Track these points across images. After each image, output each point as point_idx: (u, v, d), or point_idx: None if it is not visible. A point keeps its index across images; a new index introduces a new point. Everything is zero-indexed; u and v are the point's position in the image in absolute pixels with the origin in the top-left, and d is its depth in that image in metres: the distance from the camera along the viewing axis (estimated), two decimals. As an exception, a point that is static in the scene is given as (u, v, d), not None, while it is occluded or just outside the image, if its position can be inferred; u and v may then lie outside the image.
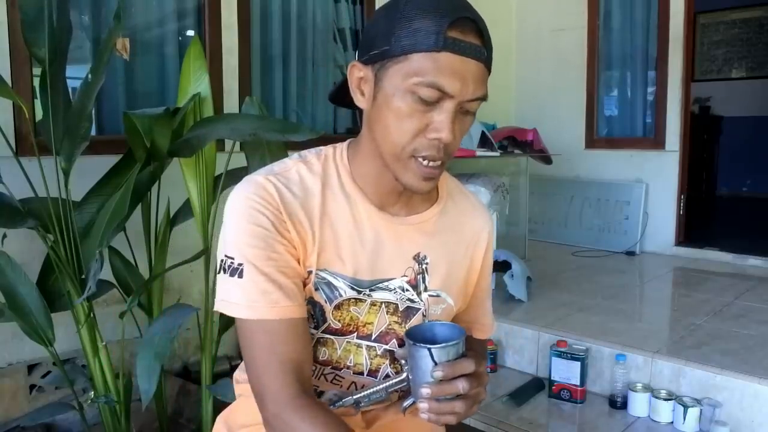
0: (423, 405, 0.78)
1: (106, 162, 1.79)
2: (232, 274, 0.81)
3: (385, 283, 0.90)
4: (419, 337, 0.81)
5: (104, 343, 1.76)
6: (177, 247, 1.95)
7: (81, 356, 2.04)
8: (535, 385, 2.26)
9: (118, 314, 1.68)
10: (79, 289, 1.68)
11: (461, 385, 0.76)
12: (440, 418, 0.79)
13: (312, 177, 0.88)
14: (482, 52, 0.78)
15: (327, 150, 0.92)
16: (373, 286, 0.89)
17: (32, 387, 2.17)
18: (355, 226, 0.88)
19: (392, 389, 0.87)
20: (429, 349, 0.77)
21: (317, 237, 0.85)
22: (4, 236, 1.66)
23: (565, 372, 2.17)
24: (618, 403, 2.11)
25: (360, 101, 0.85)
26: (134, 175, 1.67)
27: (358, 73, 0.84)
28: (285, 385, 0.79)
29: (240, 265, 0.81)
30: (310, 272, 0.86)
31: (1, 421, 2.05)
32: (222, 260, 0.83)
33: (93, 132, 2.26)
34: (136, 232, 1.93)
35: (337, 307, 0.88)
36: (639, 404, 2.06)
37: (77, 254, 1.67)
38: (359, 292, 0.88)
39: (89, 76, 1.63)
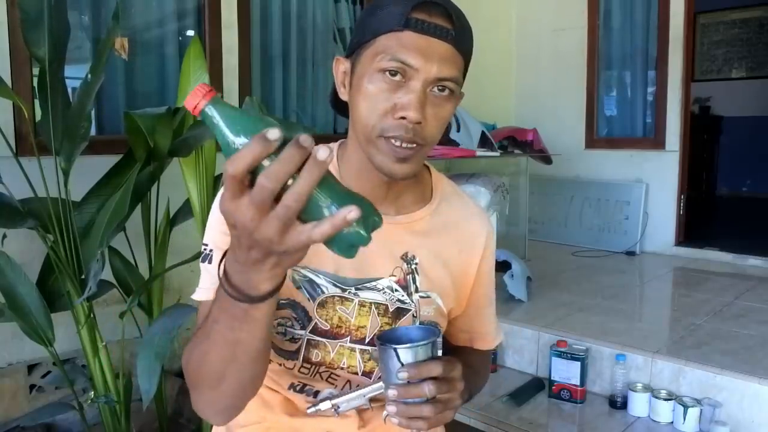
0: (390, 408, 0.75)
1: (106, 162, 1.79)
2: (203, 260, 0.86)
3: (373, 283, 0.89)
4: (394, 340, 0.78)
5: (104, 343, 1.76)
6: (177, 247, 1.95)
7: (81, 356, 2.04)
8: (535, 385, 2.26)
9: (118, 314, 1.68)
10: (79, 289, 1.68)
11: (428, 388, 0.73)
12: (410, 423, 0.76)
13: None
14: (449, 32, 0.78)
15: None
16: (359, 285, 0.89)
17: (32, 387, 2.17)
18: None
19: (370, 395, 0.86)
20: (395, 350, 0.74)
21: None
22: (4, 236, 1.67)
23: (565, 372, 2.16)
24: (618, 403, 2.11)
25: (343, 94, 0.86)
26: (134, 175, 1.68)
27: (341, 68, 0.86)
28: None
29: (210, 251, 0.86)
30: None
31: (1, 421, 2.05)
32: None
33: (93, 132, 2.26)
34: (136, 232, 1.93)
35: (321, 305, 0.88)
36: (639, 404, 2.06)
37: (77, 254, 1.67)
38: (343, 290, 0.88)
39: (88, 75, 1.63)
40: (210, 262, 0.85)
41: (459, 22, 0.80)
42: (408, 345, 0.75)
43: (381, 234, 0.90)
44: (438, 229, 0.94)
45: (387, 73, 0.78)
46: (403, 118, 0.78)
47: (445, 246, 0.95)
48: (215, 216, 0.87)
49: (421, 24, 0.77)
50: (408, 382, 0.74)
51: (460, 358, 0.83)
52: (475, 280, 0.99)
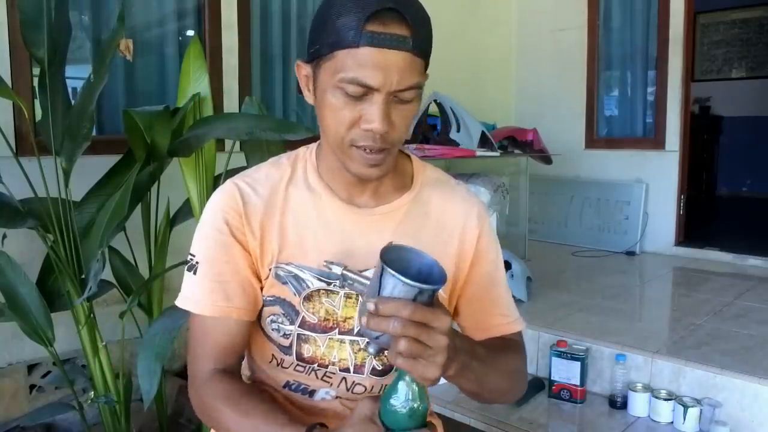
0: (364, 320, 0.70)
1: (106, 162, 1.79)
2: (189, 269, 0.90)
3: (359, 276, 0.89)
4: (403, 258, 0.72)
5: (104, 343, 1.76)
6: (177, 247, 1.94)
7: (81, 356, 2.04)
8: (535, 385, 2.26)
9: (118, 314, 1.68)
10: (79, 289, 1.68)
11: (392, 324, 0.67)
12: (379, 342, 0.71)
13: (278, 175, 0.92)
14: (406, 41, 0.77)
15: (300, 150, 0.96)
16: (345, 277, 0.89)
17: (32, 387, 2.17)
18: (319, 220, 0.90)
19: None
20: (383, 268, 0.69)
21: (278, 233, 0.89)
22: (4, 236, 1.66)
23: (565, 372, 2.16)
24: (618, 403, 2.11)
25: (308, 97, 0.88)
26: (134, 175, 1.67)
27: (303, 72, 0.87)
28: (205, 368, 0.88)
29: (197, 263, 0.89)
30: (270, 269, 0.89)
31: (1, 421, 2.05)
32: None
33: (93, 132, 2.26)
34: (136, 232, 1.93)
35: (308, 299, 0.90)
36: (639, 404, 2.06)
37: (77, 254, 1.67)
38: (329, 284, 0.89)
39: (92, 76, 1.63)
40: (195, 274, 0.89)
41: (416, 23, 0.78)
42: (398, 276, 0.68)
43: (362, 227, 0.91)
44: (422, 217, 0.94)
45: (348, 93, 0.79)
46: (368, 129, 0.80)
47: (434, 233, 0.94)
48: (203, 231, 0.90)
49: (376, 38, 0.75)
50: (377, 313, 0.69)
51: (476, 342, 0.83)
52: (474, 260, 0.97)
